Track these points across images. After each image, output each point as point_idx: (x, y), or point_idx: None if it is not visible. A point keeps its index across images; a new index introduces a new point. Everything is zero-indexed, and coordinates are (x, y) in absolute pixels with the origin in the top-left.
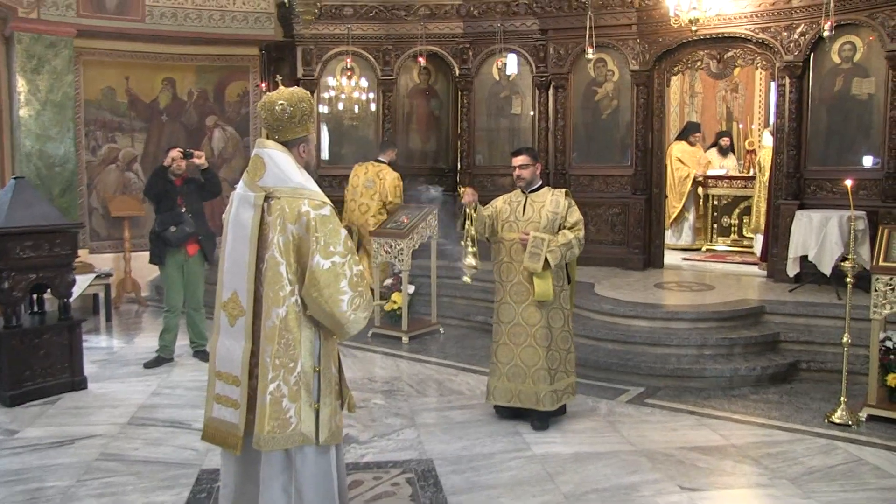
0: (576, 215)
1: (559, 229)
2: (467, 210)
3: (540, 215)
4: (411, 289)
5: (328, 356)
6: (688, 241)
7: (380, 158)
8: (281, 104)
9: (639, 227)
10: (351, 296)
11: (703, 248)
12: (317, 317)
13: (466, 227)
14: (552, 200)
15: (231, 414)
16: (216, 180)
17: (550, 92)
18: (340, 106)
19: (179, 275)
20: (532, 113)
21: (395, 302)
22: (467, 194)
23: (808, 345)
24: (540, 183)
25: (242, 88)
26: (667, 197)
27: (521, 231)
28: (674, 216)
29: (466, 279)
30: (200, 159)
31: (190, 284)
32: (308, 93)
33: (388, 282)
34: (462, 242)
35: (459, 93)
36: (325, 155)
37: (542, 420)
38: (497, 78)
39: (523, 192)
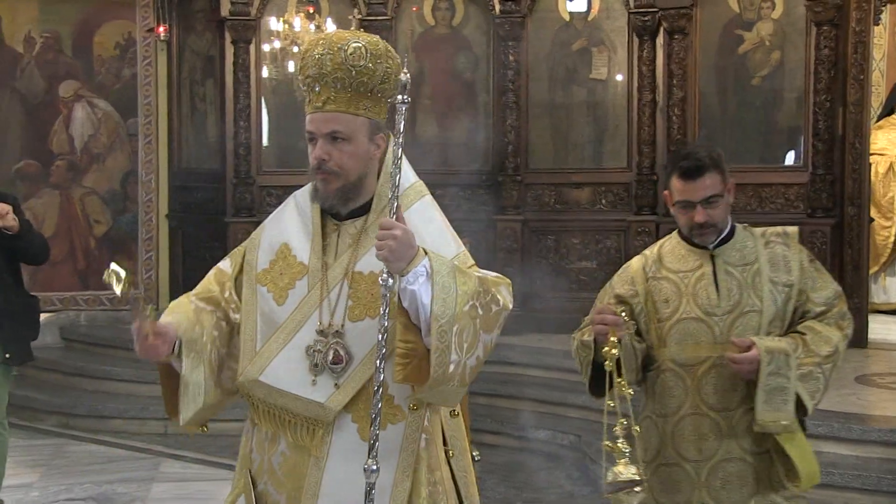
0: (828, 284)
1: (795, 319)
2: (607, 363)
3: (752, 294)
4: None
5: None
6: None
7: None
8: (357, 47)
9: None
10: None
11: None
12: None
13: (609, 405)
14: (773, 256)
15: None
16: (38, 242)
17: (660, 41)
18: (292, 67)
19: None
20: (626, 78)
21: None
22: (599, 316)
23: None
24: (730, 226)
25: (123, 35)
26: (872, 220)
27: (734, 339)
28: (888, 253)
29: None
30: (4, 220)
31: None
32: None
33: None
34: (605, 444)
35: (500, 44)
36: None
37: None
38: (567, 18)
39: (704, 248)
